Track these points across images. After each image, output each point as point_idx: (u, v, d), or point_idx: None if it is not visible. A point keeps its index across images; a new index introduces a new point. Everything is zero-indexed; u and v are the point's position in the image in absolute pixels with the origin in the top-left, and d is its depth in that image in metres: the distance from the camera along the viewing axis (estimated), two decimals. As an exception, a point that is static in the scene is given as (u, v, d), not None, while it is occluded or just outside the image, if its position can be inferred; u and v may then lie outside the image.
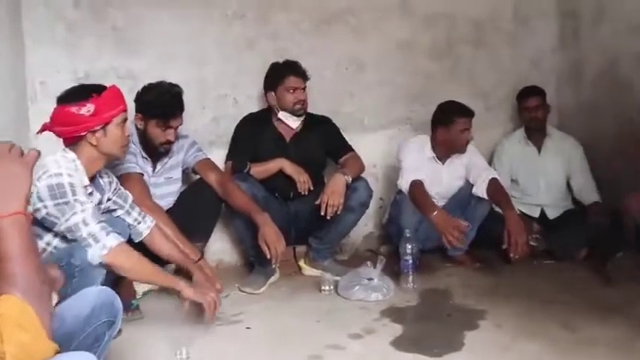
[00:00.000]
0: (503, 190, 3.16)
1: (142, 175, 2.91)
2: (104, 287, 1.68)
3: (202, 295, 2.33)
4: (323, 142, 3.28)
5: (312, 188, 3.16)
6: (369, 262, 2.95)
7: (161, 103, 2.84)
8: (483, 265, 3.29)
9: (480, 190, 3.15)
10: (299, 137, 3.27)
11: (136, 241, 2.47)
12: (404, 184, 3.14)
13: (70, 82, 3.06)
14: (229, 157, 3.22)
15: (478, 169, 3.26)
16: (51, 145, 2.26)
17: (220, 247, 3.44)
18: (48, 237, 2.19)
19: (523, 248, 2.93)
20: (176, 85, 2.90)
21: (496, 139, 3.85)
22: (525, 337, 2.35)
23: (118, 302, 1.66)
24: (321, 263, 3.22)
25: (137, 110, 2.86)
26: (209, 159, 3.10)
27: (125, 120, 2.27)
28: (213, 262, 3.30)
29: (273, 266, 3.08)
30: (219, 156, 3.26)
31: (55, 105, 2.19)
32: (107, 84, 2.26)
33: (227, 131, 3.34)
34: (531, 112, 3.64)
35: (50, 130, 2.17)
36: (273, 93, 3.21)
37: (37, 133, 2.22)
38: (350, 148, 3.28)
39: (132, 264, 2.15)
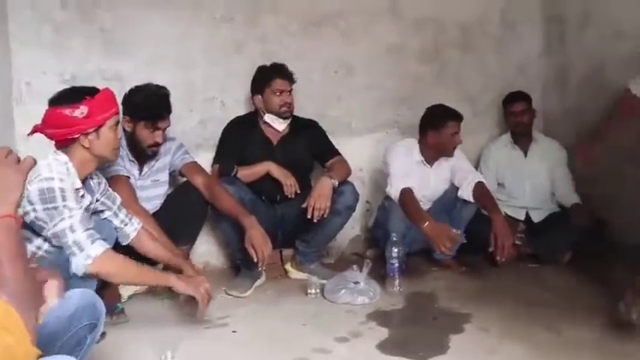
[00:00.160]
0: (489, 193, 3.18)
1: (129, 178, 2.90)
2: (86, 290, 1.66)
3: (195, 288, 2.32)
4: (310, 146, 3.29)
5: (298, 191, 3.16)
6: (355, 266, 2.95)
7: (149, 104, 2.83)
8: (469, 268, 3.30)
9: (466, 193, 3.17)
10: (286, 140, 3.27)
11: (124, 243, 2.46)
12: (393, 191, 3.13)
13: (57, 84, 3.07)
14: (216, 160, 3.21)
15: (464, 172, 3.28)
16: (40, 146, 2.24)
17: (207, 249, 3.43)
18: (38, 241, 2.18)
19: (509, 251, 2.95)
20: (163, 87, 2.90)
21: (483, 143, 3.89)
22: (511, 340, 2.36)
23: (101, 305, 1.65)
24: (308, 266, 3.22)
25: (125, 112, 2.85)
26: (196, 162, 3.10)
27: (118, 122, 2.28)
28: (200, 264, 3.30)
29: (260, 269, 3.08)
30: (206, 159, 3.25)
31: (42, 106, 2.18)
32: (95, 86, 2.26)
33: (214, 134, 3.33)
34: (517, 117, 3.69)
35: (41, 132, 2.16)
36: (259, 96, 3.21)
37: (28, 134, 2.20)
38: (336, 152, 3.29)
39: (118, 270, 2.14)
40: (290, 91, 3.21)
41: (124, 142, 2.88)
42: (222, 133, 3.28)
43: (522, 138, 3.72)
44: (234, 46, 3.50)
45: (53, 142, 2.22)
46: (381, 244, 3.25)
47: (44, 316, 1.34)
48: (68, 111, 2.10)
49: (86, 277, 2.08)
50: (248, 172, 3.14)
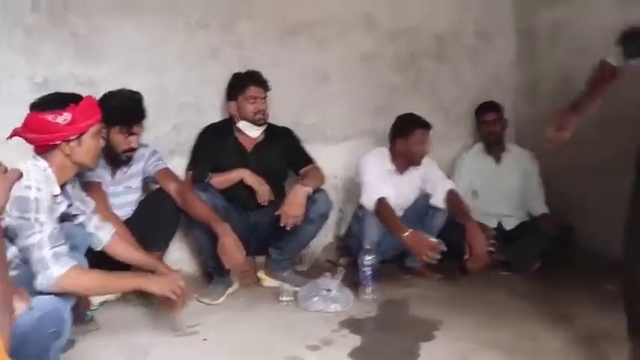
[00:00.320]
0: (462, 201, 3.22)
1: (101, 184, 2.88)
2: (51, 297, 1.64)
3: (169, 287, 2.28)
4: (284, 153, 3.29)
5: (272, 199, 3.16)
6: (328, 273, 2.97)
7: (125, 108, 2.82)
8: (442, 276, 3.32)
9: (438, 200, 3.21)
10: (260, 148, 3.27)
11: (97, 249, 2.43)
12: (368, 201, 3.12)
13: (27, 88, 3.05)
14: (190, 166, 3.20)
15: (435, 179, 3.31)
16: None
17: (179, 256, 3.40)
18: (13, 249, 2.14)
19: (484, 259, 2.99)
20: (137, 92, 2.89)
21: (456, 152, 3.92)
22: (483, 348, 2.39)
23: (66, 312, 1.63)
24: (281, 274, 3.21)
25: (99, 117, 2.82)
26: (169, 168, 3.08)
27: (100, 130, 2.25)
28: (172, 271, 3.26)
29: (232, 277, 3.07)
30: (179, 165, 3.23)
31: (12, 110, 2.15)
32: (67, 90, 2.24)
33: (188, 140, 3.32)
34: (489, 126, 3.74)
35: (21, 136, 2.13)
36: (234, 102, 3.21)
37: (8, 138, 2.17)
38: (310, 160, 3.29)
39: (84, 286, 2.10)
40: (264, 98, 3.22)
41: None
42: (197, 140, 3.27)
43: (495, 147, 3.77)
44: (209, 52, 3.48)
45: (32, 147, 2.19)
46: (354, 252, 3.25)
47: (15, 321, 1.32)
48: (51, 117, 2.08)
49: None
50: (222, 179, 3.13)
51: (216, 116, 3.44)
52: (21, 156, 2.14)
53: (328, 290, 2.87)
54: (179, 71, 3.43)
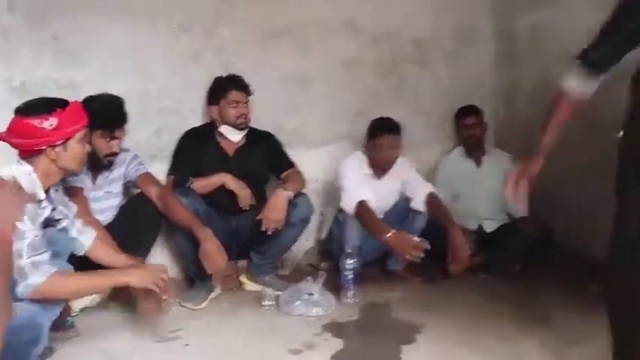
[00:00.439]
0: (442, 204, 3.24)
1: (82, 189, 2.86)
2: (30, 304, 1.62)
3: (150, 278, 2.26)
4: (265, 158, 3.29)
5: (254, 203, 3.16)
6: (309, 277, 2.97)
7: (107, 112, 2.80)
8: (423, 279, 3.34)
9: (418, 203, 3.23)
10: (241, 152, 3.26)
11: (79, 254, 2.42)
12: (348, 204, 3.12)
13: (4, 91, 3.00)
14: (171, 171, 3.18)
15: (414, 183, 3.32)
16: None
17: (161, 261, 3.35)
18: None
19: (466, 262, 3.02)
20: (118, 97, 2.89)
21: (436, 156, 3.95)
22: (464, 350, 2.40)
23: (42, 319, 1.61)
24: (263, 278, 3.21)
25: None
26: (150, 173, 3.07)
27: (86, 135, 2.25)
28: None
29: (214, 281, 3.06)
30: (160, 169, 3.22)
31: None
32: (45, 94, 2.24)
33: (169, 144, 3.30)
34: (469, 130, 3.78)
35: (5, 141, 2.11)
36: (215, 107, 3.21)
37: None
38: (292, 164, 3.30)
39: (65, 291, 2.10)
40: (246, 102, 3.22)
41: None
42: (178, 144, 3.26)
43: (475, 150, 3.81)
44: (191, 56, 3.47)
45: (17, 152, 2.17)
46: (335, 256, 3.26)
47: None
48: (37, 122, 2.07)
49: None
50: (203, 184, 3.12)
51: (196, 121, 3.43)
52: (4, 160, 2.13)
53: (310, 294, 2.88)
54: (161, 75, 3.41)
